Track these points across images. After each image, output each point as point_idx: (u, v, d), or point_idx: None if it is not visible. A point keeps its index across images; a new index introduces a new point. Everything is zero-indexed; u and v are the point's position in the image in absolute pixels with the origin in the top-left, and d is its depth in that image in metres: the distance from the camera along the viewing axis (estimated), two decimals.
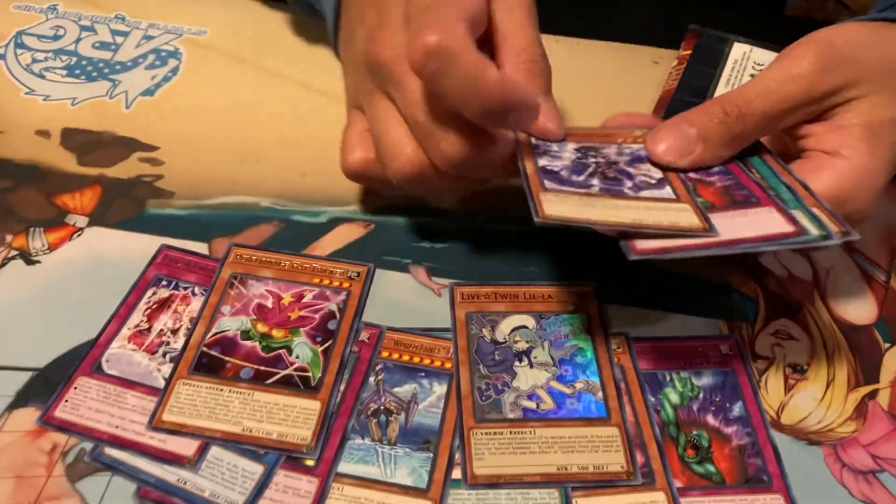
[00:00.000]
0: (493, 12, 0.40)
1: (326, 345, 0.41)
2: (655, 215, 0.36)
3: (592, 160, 0.40)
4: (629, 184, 0.38)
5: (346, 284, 0.44)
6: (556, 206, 0.36)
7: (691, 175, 0.39)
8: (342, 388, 0.40)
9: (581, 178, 0.39)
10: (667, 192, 0.38)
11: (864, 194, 0.39)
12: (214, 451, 0.37)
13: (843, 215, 0.38)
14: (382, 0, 0.40)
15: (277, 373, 0.40)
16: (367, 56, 0.40)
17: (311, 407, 0.39)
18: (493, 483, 0.36)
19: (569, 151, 0.40)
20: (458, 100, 0.35)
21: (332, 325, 0.42)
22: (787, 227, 0.36)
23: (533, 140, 0.40)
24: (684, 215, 0.36)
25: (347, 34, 0.45)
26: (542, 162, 0.39)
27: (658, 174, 0.39)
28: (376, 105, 0.40)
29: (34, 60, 0.55)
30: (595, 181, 0.38)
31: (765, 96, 0.39)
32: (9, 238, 0.44)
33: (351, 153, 0.42)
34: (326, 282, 0.44)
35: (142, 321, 0.41)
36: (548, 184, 0.37)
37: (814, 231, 0.35)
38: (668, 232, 0.35)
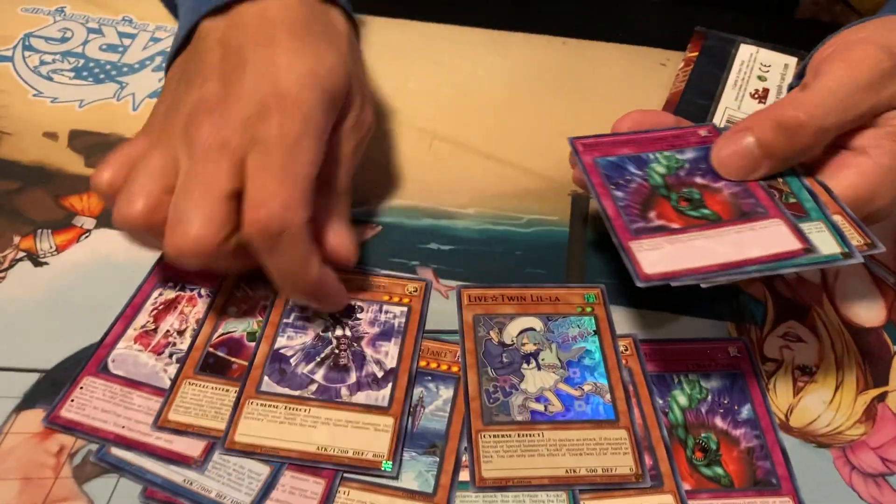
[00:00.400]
0: (340, 132, 0.40)
1: None
2: (348, 439, 0.37)
3: (338, 332, 0.41)
4: (352, 378, 0.39)
5: None
6: (253, 428, 0.37)
7: (698, 181, 0.39)
8: None
9: (308, 368, 0.39)
10: (381, 396, 0.39)
11: (887, 194, 0.39)
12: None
13: (865, 215, 0.38)
14: (233, 81, 0.38)
15: None
16: (190, 118, 0.37)
17: None
18: (502, 486, 0.36)
19: (319, 322, 0.41)
20: (275, 275, 0.37)
21: None
22: (796, 244, 0.36)
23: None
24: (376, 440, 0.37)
25: (186, 70, 0.41)
26: (281, 340, 0.40)
27: (392, 363, 0.40)
28: (161, 153, 0.37)
29: (42, 62, 0.55)
30: (318, 375, 0.39)
31: (840, 107, 0.38)
32: (16, 240, 0.45)
33: (103, 170, 0.38)
34: None
35: (148, 322, 0.41)
36: (266, 382, 0.39)
37: (835, 248, 0.35)
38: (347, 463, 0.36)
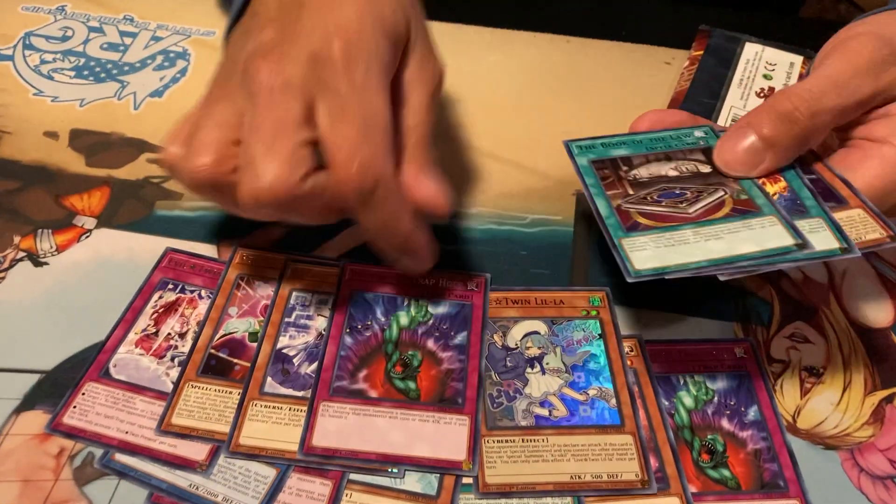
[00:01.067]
0: (402, 80, 0.38)
1: None
2: None
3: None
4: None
5: None
6: (258, 430, 0.37)
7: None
8: None
9: (311, 368, 0.39)
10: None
11: None
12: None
13: (891, 205, 0.38)
14: (289, 24, 0.37)
15: None
16: (247, 64, 0.36)
17: None
18: (506, 492, 0.36)
19: (320, 320, 0.41)
20: (370, 229, 0.36)
21: None
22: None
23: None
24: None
25: (244, 32, 0.40)
26: (283, 340, 0.40)
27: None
28: (223, 105, 0.37)
29: (42, 61, 0.54)
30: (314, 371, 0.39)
31: (835, 91, 0.38)
32: (17, 239, 0.44)
33: (169, 143, 0.37)
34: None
35: (149, 325, 0.41)
36: (269, 384, 0.38)
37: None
38: None
